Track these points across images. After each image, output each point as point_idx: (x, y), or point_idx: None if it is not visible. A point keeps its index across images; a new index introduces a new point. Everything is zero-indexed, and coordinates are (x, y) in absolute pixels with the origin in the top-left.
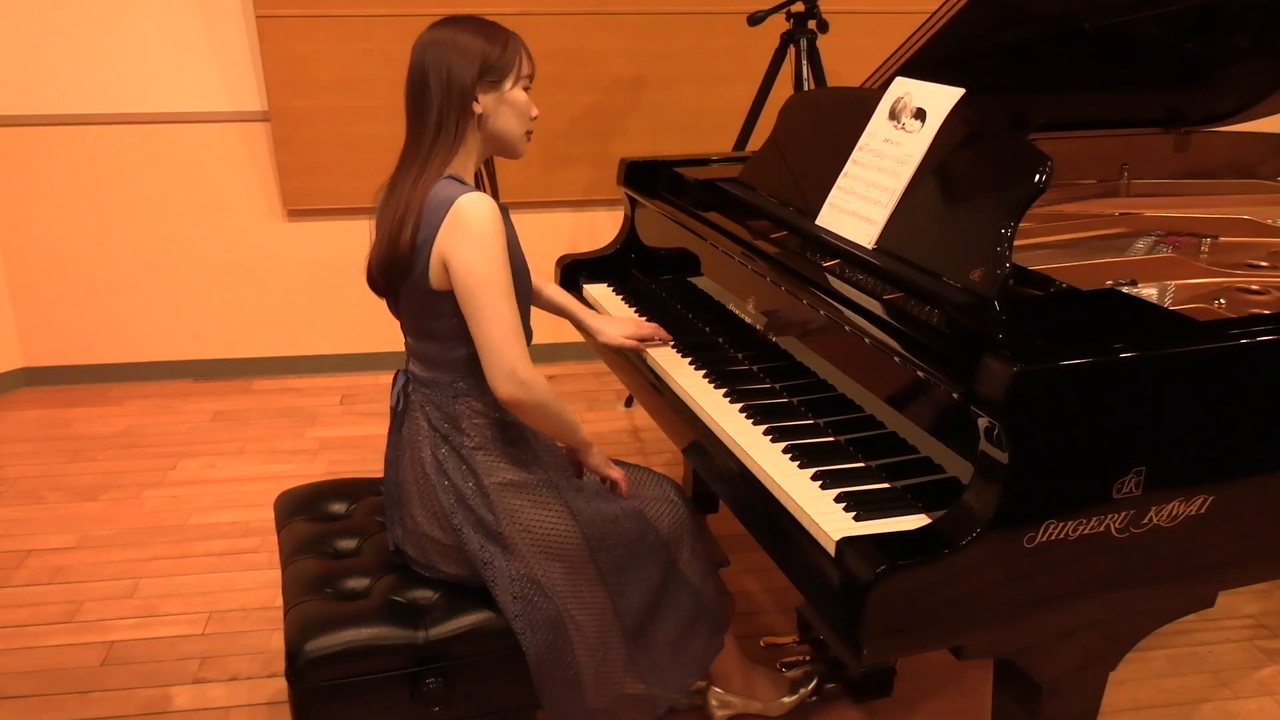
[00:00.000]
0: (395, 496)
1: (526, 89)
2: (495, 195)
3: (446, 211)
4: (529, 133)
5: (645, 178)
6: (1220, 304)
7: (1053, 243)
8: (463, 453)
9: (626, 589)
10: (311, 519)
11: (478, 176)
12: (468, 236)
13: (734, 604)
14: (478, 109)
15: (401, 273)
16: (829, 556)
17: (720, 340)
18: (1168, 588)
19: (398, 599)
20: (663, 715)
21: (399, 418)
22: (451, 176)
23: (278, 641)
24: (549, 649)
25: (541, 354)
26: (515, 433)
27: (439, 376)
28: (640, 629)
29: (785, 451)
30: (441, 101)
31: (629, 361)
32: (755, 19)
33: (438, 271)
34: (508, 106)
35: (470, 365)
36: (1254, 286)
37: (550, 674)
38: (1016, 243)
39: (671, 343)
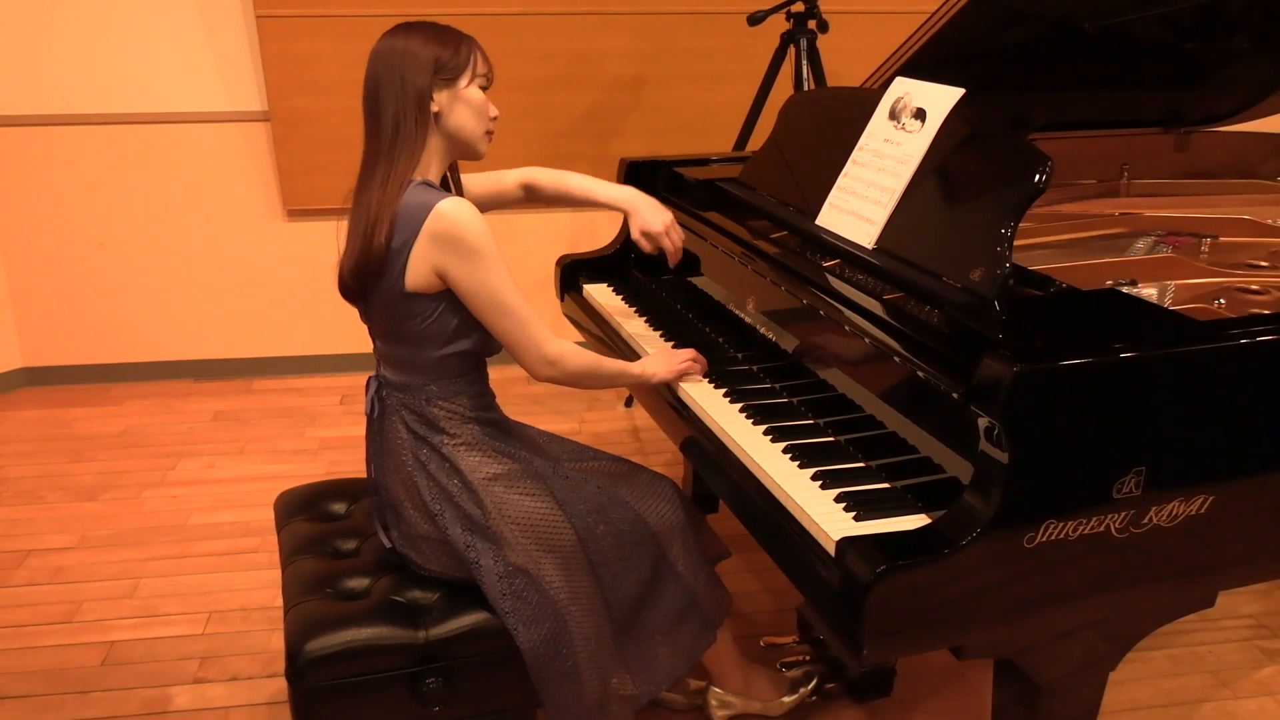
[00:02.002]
0: (385, 500)
1: (484, 88)
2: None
3: (424, 216)
4: (489, 132)
5: (645, 178)
6: (1220, 304)
7: (1053, 243)
8: (444, 451)
9: (617, 582)
10: (311, 519)
11: (444, 183)
12: (467, 250)
13: (730, 599)
14: (434, 107)
15: (375, 274)
16: (829, 556)
17: (720, 340)
18: (1168, 588)
19: (397, 599)
20: (663, 715)
21: (375, 424)
22: (424, 182)
23: (278, 641)
24: (545, 643)
25: None
26: (495, 427)
27: (411, 380)
28: (629, 621)
29: (785, 451)
30: (397, 101)
31: None
32: (755, 19)
33: (417, 275)
34: (463, 104)
35: (441, 367)
36: (1254, 286)
37: (548, 669)
38: (1016, 243)
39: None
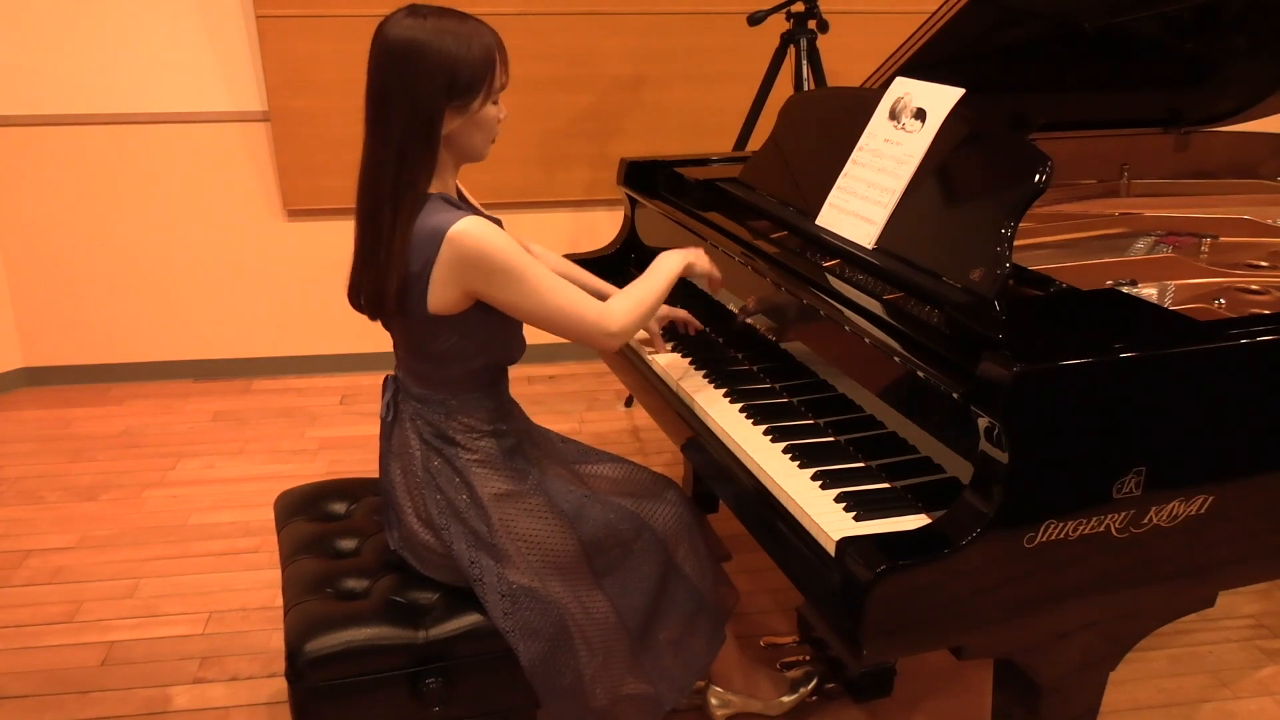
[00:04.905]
0: (390, 501)
1: (497, 102)
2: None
3: (439, 241)
4: (493, 138)
5: (645, 178)
6: (1220, 304)
7: (1053, 243)
8: (457, 465)
9: (626, 590)
10: (311, 519)
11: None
12: (496, 270)
13: (738, 595)
14: (444, 129)
15: (395, 309)
16: (829, 556)
17: (720, 340)
18: (1168, 588)
19: (398, 599)
20: (662, 715)
21: (388, 427)
22: (441, 197)
23: (278, 641)
24: (543, 658)
25: (541, 354)
26: (510, 441)
27: (432, 394)
28: (643, 629)
29: (785, 451)
30: (406, 122)
31: (629, 361)
32: (755, 19)
33: (441, 299)
34: (475, 127)
35: (463, 383)
36: (1254, 286)
37: (546, 682)
38: (1016, 243)
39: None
